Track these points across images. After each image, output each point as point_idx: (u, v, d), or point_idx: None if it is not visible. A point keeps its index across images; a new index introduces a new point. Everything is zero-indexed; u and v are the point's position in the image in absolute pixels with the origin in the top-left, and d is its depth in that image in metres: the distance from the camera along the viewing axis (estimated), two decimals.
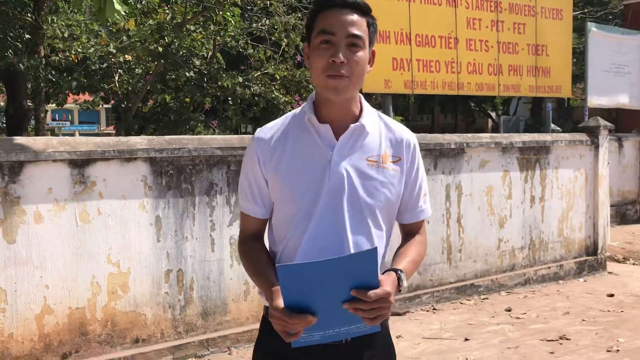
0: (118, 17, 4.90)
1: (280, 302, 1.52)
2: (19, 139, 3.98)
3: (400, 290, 1.64)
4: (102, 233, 4.18)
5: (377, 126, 1.76)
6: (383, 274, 1.61)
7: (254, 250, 1.78)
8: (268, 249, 1.81)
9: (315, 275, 1.47)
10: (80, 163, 4.08)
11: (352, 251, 1.66)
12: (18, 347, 3.90)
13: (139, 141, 4.37)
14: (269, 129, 1.77)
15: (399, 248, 1.80)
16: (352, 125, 1.70)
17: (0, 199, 3.80)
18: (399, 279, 1.62)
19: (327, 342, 1.63)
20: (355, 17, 1.64)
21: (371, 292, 1.49)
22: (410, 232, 1.85)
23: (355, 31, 1.63)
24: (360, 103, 1.75)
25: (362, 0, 1.67)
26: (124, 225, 4.26)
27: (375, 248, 1.50)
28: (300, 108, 1.78)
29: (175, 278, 4.50)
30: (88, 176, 4.12)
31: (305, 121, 1.72)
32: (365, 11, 1.67)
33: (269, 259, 1.76)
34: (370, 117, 1.75)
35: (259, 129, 1.80)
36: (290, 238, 1.72)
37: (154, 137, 4.54)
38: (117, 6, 4.68)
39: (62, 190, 4.02)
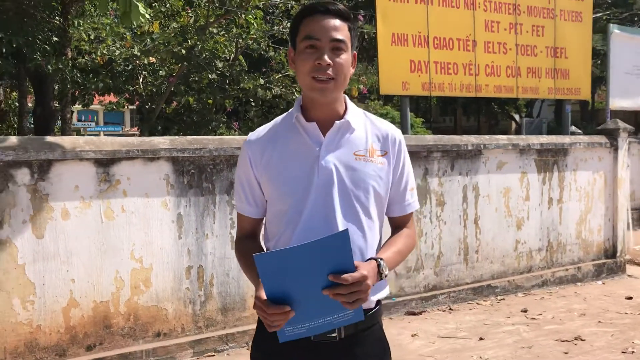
0: (142, 20, 5.06)
1: (262, 294, 1.57)
2: (48, 139, 4.15)
3: (381, 279, 1.70)
4: (126, 230, 4.33)
5: (363, 123, 1.84)
6: (365, 262, 1.67)
7: (247, 247, 1.86)
8: (265, 248, 1.89)
9: (292, 261, 1.51)
10: (105, 162, 4.24)
11: None
12: (45, 339, 4.06)
13: (162, 141, 4.51)
14: (259, 132, 1.87)
15: (388, 239, 1.87)
16: (337, 121, 1.78)
17: (30, 195, 3.98)
18: (379, 266, 1.68)
19: (316, 336, 1.68)
20: (337, 22, 1.73)
21: (347, 275, 1.54)
22: (398, 225, 1.92)
23: (338, 36, 1.72)
24: (345, 103, 1.84)
25: (343, 7, 1.77)
26: (146, 223, 4.41)
27: (346, 230, 1.54)
28: (288, 111, 1.87)
29: (195, 274, 4.63)
30: (113, 174, 4.27)
31: (293, 121, 1.80)
32: (346, 17, 1.76)
33: None
34: (355, 114, 1.84)
35: (250, 133, 1.90)
36: (282, 233, 1.79)
37: (176, 137, 4.68)
38: (142, 10, 4.83)
39: (88, 188, 4.18)
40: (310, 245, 1.52)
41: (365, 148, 1.80)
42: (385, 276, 1.72)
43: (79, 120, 37.89)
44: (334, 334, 1.74)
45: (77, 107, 14.51)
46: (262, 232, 1.95)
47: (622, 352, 4.64)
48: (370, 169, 1.79)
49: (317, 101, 1.78)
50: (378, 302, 1.86)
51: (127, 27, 9.86)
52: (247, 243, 1.89)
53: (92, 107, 12.80)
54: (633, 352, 4.65)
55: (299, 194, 1.75)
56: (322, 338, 1.73)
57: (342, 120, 1.79)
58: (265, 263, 1.51)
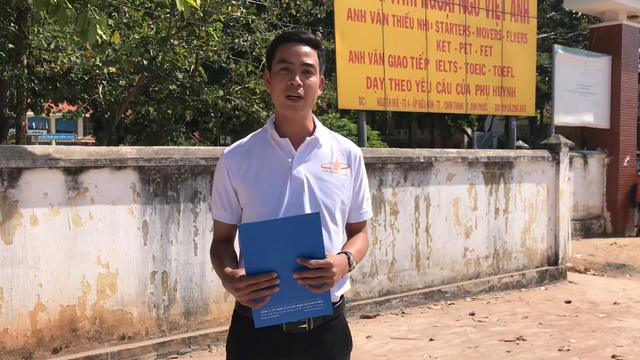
0: (99, 39, 5.17)
1: (241, 272, 1.78)
2: (18, 147, 4.28)
3: (350, 270, 1.96)
4: (93, 236, 4.48)
5: (329, 139, 2.11)
6: (337, 254, 1.93)
7: (221, 249, 2.08)
8: (238, 251, 2.08)
9: (270, 235, 1.72)
10: (74, 170, 4.39)
11: None
12: (12, 342, 4.17)
13: (129, 151, 4.69)
14: (235, 147, 2.11)
15: (346, 242, 2.13)
16: (308, 138, 2.04)
17: None
18: (349, 258, 1.95)
19: (288, 326, 1.90)
20: (308, 49, 2.00)
21: (313, 260, 1.76)
22: (355, 230, 2.18)
23: (309, 61, 1.99)
24: (314, 121, 2.11)
25: (314, 36, 2.05)
26: (113, 229, 4.57)
27: (318, 213, 1.79)
28: (262, 127, 2.12)
29: (160, 279, 4.80)
30: (81, 182, 4.43)
31: (268, 137, 2.05)
32: (316, 45, 2.03)
33: (234, 256, 2.05)
34: (323, 132, 2.11)
35: (226, 147, 2.14)
36: None
37: (143, 147, 4.85)
38: (99, 31, 4.95)
39: (56, 195, 4.32)
40: (287, 221, 1.77)
41: (331, 161, 2.06)
42: (354, 267, 1.98)
43: (30, 127, 37.11)
44: (304, 325, 1.97)
45: (29, 114, 14.33)
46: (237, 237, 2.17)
47: (559, 350, 5.03)
48: (335, 180, 2.05)
49: (288, 118, 2.03)
50: (341, 296, 2.11)
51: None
52: (222, 245, 2.10)
53: (43, 114, 12.70)
54: (569, 349, 5.04)
55: (275, 201, 1.99)
56: (294, 329, 1.95)
57: (312, 136, 2.05)
58: (248, 233, 1.74)
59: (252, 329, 1.83)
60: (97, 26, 4.77)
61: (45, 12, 10.84)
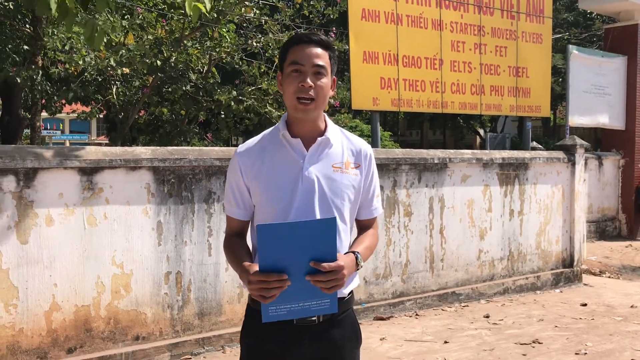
0: (103, 47, 5.22)
1: (256, 267, 1.83)
2: (34, 148, 4.30)
3: (358, 269, 1.99)
4: (108, 236, 4.49)
5: (340, 139, 2.12)
6: (344, 254, 1.95)
7: (235, 243, 2.11)
8: (250, 246, 2.13)
9: (287, 236, 1.77)
10: (89, 171, 4.40)
11: None
12: (27, 341, 4.18)
13: (144, 151, 4.69)
14: (248, 145, 2.12)
15: (356, 238, 2.15)
16: (319, 138, 2.06)
17: (15, 202, 4.11)
18: (356, 258, 1.98)
19: (298, 319, 1.93)
20: (319, 50, 2.01)
21: (325, 264, 1.81)
22: (365, 226, 2.21)
23: (320, 62, 2.00)
24: (325, 120, 2.12)
25: (325, 38, 2.05)
26: (128, 230, 4.57)
27: (335, 217, 1.84)
28: (274, 126, 2.14)
29: (174, 280, 4.80)
30: (96, 183, 4.43)
31: (280, 137, 2.06)
32: (327, 46, 2.04)
33: (247, 250, 2.09)
34: (334, 131, 2.12)
35: (240, 145, 2.16)
36: None
37: (158, 147, 4.86)
38: (111, 35, 4.99)
39: (72, 196, 4.33)
40: (305, 224, 1.80)
41: (342, 161, 2.08)
42: (361, 267, 2.00)
43: (45, 128, 37.42)
44: (313, 318, 2.00)
45: (43, 114, 14.44)
46: (249, 234, 2.18)
47: (576, 354, 4.97)
48: (345, 180, 2.07)
49: (300, 119, 2.04)
50: (350, 292, 2.14)
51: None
52: (235, 239, 2.14)
53: (57, 115, 12.80)
54: (585, 353, 4.98)
55: (286, 200, 2.01)
56: (304, 321, 1.99)
57: (323, 137, 2.06)
58: (266, 234, 1.76)
59: (261, 321, 1.87)
60: (106, 32, 4.79)
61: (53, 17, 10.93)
